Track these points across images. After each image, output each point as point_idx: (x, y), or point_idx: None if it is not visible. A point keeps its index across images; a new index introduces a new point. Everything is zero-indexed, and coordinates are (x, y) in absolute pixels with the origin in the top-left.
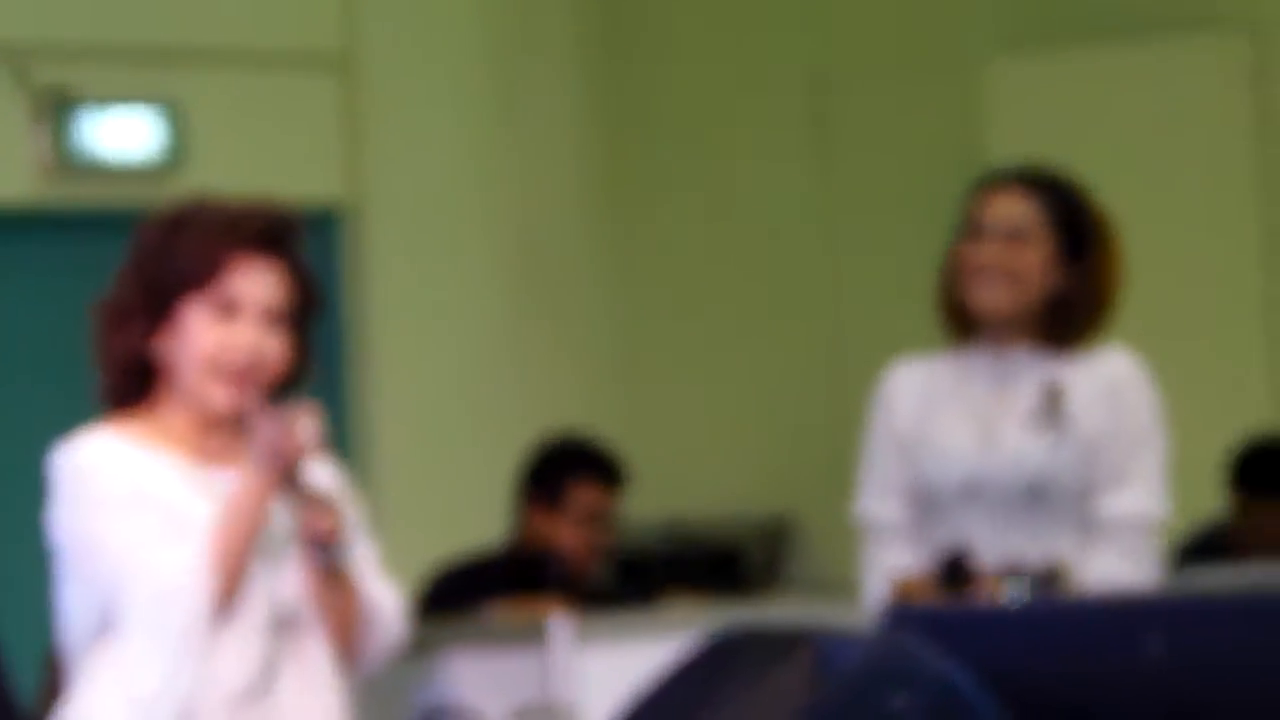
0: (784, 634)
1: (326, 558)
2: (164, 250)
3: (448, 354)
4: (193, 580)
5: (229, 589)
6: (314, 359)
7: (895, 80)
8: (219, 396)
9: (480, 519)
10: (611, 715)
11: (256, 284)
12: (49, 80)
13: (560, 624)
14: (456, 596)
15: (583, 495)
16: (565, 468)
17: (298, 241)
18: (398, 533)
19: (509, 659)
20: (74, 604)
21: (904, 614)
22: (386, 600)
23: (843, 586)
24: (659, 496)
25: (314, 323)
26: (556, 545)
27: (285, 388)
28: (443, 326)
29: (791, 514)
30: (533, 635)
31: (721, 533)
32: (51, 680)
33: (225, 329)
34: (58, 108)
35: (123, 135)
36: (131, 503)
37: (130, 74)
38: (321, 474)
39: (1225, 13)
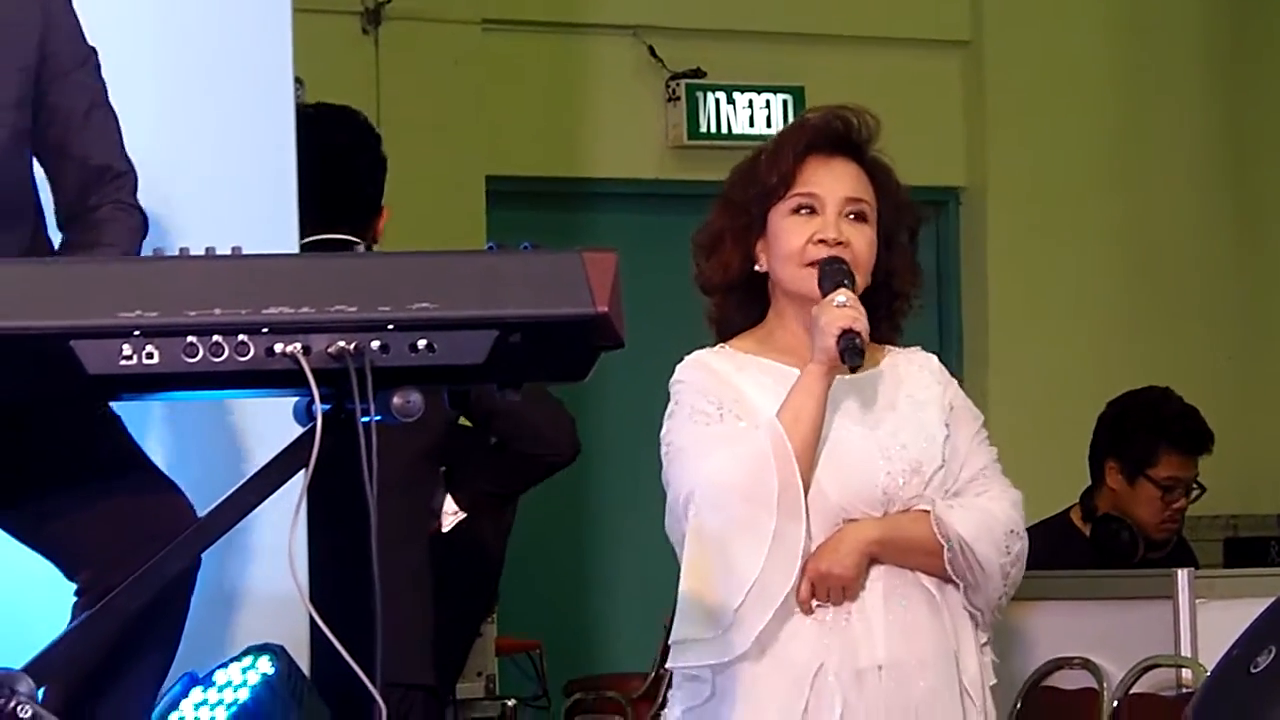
0: None
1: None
2: (748, 174)
3: (1060, 335)
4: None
5: (804, 471)
6: (915, 273)
7: None
8: (811, 285)
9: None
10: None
11: (831, 181)
12: (681, 63)
13: (1186, 579)
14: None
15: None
16: (1146, 431)
17: (872, 144)
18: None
19: (1133, 612)
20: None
21: None
22: (986, 506)
23: None
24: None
25: (904, 231)
26: (1131, 512)
27: (888, 294)
28: (1056, 308)
29: None
30: (1159, 590)
31: None
32: None
33: (808, 223)
34: (689, 89)
35: (748, 116)
36: (709, 413)
37: (757, 57)
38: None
39: None
